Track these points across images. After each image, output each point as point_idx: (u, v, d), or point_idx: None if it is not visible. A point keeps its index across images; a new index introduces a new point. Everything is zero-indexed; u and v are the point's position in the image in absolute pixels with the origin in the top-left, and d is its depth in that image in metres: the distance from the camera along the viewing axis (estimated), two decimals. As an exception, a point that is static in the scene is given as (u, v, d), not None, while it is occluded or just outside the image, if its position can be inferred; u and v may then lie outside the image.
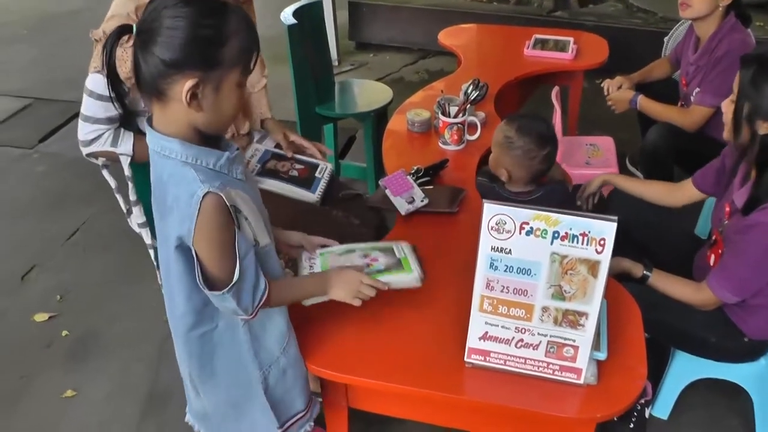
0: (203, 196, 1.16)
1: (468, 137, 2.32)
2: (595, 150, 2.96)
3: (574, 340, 1.30)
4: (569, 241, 1.22)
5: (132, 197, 1.92)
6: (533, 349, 1.34)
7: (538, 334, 1.32)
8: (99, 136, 1.77)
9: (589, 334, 1.28)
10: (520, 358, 1.36)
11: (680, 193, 2.09)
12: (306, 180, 2.06)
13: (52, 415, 2.30)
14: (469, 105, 2.32)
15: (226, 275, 1.23)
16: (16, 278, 3.00)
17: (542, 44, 3.14)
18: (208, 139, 1.25)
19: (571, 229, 1.21)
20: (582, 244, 1.21)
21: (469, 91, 2.34)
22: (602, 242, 1.20)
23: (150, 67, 1.13)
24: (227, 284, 1.22)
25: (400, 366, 1.42)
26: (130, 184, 1.88)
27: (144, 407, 2.29)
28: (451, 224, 1.89)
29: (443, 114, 2.27)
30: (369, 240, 1.91)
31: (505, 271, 1.29)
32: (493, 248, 1.28)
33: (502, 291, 1.31)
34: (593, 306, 1.26)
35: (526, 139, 1.92)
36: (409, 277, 1.46)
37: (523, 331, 1.33)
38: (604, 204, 2.24)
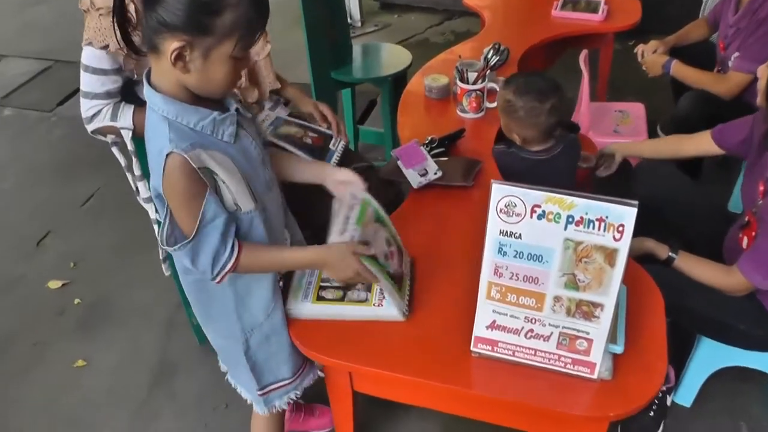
0: (167, 155, 1.18)
1: (488, 104, 2.19)
2: (624, 117, 2.80)
3: (588, 333, 1.20)
4: (584, 227, 1.12)
5: (137, 172, 1.85)
6: (544, 340, 1.25)
7: (549, 324, 1.23)
8: (98, 112, 1.70)
9: (605, 326, 1.19)
10: (529, 349, 1.27)
11: (692, 143, 1.99)
12: (320, 149, 1.96)
13: (63, 385, 2.29)
14: (489, 71, 2.19)
15: (188, 233, 1.25)
16: (32, 243, 2.99)
17: (572, 4, 2.96)
18: (204, 98, 1.25)
19: (586, 213, 1.10)
20: (598, 230, 1.11)
21: (489, 55, 2.21)
22: (621, 229, 1.09)
23: (149, 21, 1.13)
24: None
25: (403, 353, 1.35)
26: (134, 159, 1.81)
27: (153, 377, 2.27)
28: (466, 199, 1.79)
29: (461, 80, 2.15)
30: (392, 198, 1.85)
31: (514, 257, 1.19)
32: (501, 232, 1.18)
33: (511, 278, 1.21)
34: (609, 297, 1.16)
35: (526, 98, 1.83)
36: (395, 307, 1.40)
37: (533, 321, 1.24)
38: (626, 175, 2.12)
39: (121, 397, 2.22)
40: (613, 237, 1.10)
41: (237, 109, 1.30)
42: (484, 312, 1.27)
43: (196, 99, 1.23)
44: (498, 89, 2.16)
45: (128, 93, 1.75)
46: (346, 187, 1.47)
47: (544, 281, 1.19)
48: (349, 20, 4.87)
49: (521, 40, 2.68)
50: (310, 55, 2.69)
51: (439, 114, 2.28)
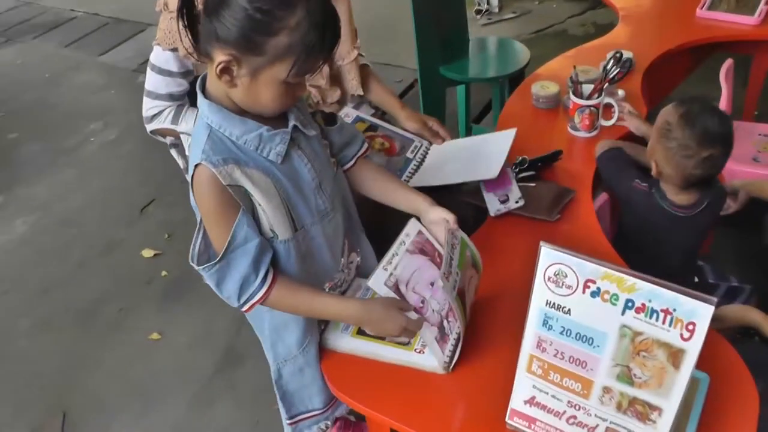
0: (195, 166, 1.11)
1: (603, 122, 1.94)
2: (769, 143, 2.42)
3: (640, 436, 1.00)
4: (646, 316, 0.91)
5: None
6: (588, 431, 1.05)
7: (596, 416, 1.03)
8: (160, 113, 1.67)
9: (662, 432, 0.98)
10: (572, 436, 1.08)
11: None
12: (391, 163, 1.81)
13: (137, 355, 2.36)
14: (607, 84, 1.93)
15: (218, 253, 1.15)
16: (136, 210, 3.11)
17: (725, 3, 2.55)
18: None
19: (650, 301, 0.90)
20: (663, 323, 0.90)
21: (609, 66, 1.95)
22: (691, 327, 0.88)
23: (205, 28, 1.07)
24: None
25: (436, 412, 1.19)
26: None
27: (218, 363, 2.28)
28: (548, 234, 1.57)
29: (575, 94, 1.91)
30: None
31: (561, 333, 1.00)
32: (548, 303, 1.00)
33: (555, 356, 1.03)
34: (671, 402, 0.94)
35: (687, 132, 1.51)
36: (436, 359, 1.23)
37: (577, 407, 1.04)
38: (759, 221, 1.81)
39: (185, 378, 2.24)
40: (681, 335, 0.89)
41: (296, 126, 1.19)
42: (524, 385, 1.09)
43: (248, 112, 1.15)
44: (615, 106, 1.92)
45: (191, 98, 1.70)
46: (437, 227, 1.33)
47: (593, 367, 0.99)
48: (486, 5, 4.65)
49: (656, 43, 2.37)
50: (418, 48, 2.54)
51: (545, 127, 2.05)
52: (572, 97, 1.93)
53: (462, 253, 1.25)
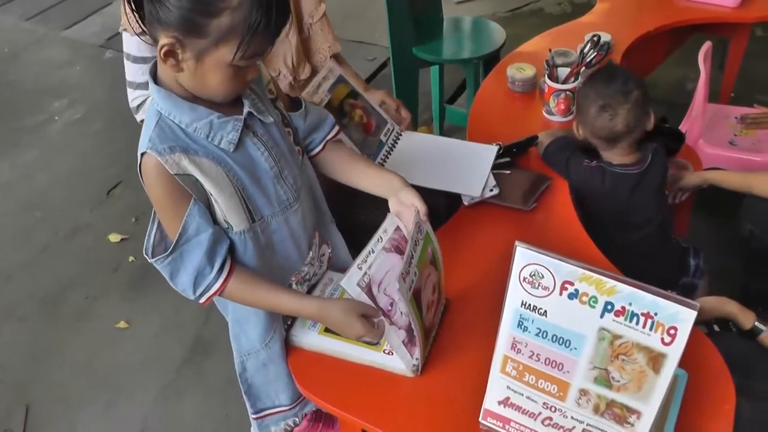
0: (141, 155, 1.07)
1: (577, 107, 1.90)
2: (746, 126, 2.39)
3: (617, 439, 0.97)
4: (626, 319, 0.87)
5: None
6: (565, 433, 1.03)
7: (572, 418, 1.00)
8: (143, 102, 1.57)
9: (640, 436, 0.95)
10: (547, 438, 1.05)
11: None
12: (367, 142, 1.75)
13: (104, 344, 2.30)
14: (584, 68, 1.89)
15: (171, 240, 1.12)
16: (103, 192, 3.02)
17: (703, -16, 2.52)
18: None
19: (630, 304, 0.86)
20: (643, 327, 0.86)
21: (586, 50, 1.91)
22: (672, 332, 0.85)
23: (148, 11, 1.01)
24: None
25: (407, 414, 1.16)
26: None
27: (187, 352, 2.22)
28: (523, 224, 1.54)
29: (550, 77, 1.87)
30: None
31: (536, 335, 0.97)
32: (524, 304, 0.96)
33: (530, 357, 0.99)
34: (650, 406, 0.92)
35: (600, 87, 1.59)
36: (404, 362, 1.20)
37: (553, 409, 1.01)
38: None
39: (154, 368, 2.18)
40: (662, 339, 0.86)
41: (251, 113, 1.14)
42: (498, 386, 1.06)
43: (199, 98, 1.10)
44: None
45: None
46: (408, 210, 1.25)
47: (570, 370, 0.96)
48: (462, -17, 4.56)
49: (635, 24, 2.34)
50: (390, 28, 2.47)
51: (521, 111, 2.01)
52: (547, 80, 1.89)
53: (424, 250, 1.20)
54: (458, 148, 1.75)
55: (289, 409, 1.41)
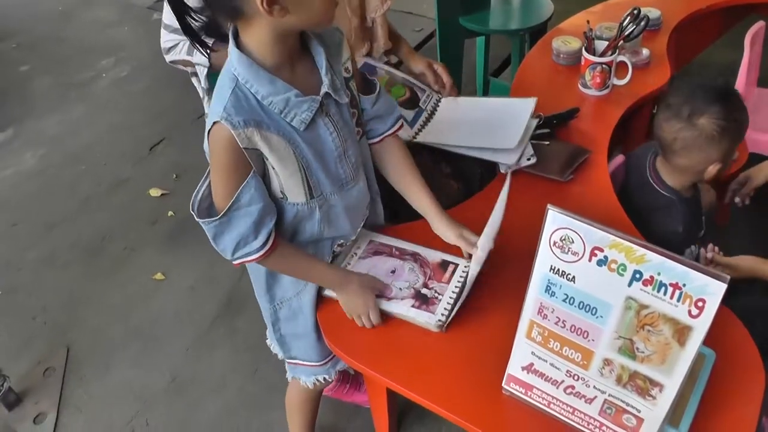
0: (213, 124, 1.06)
1: (615, 81, 1.87)
2: (797, 111, 2.31)
3: (639, 411, 0.97)
4: (654, 289, 0.86)
5: (207, 110, 1.77)
6: (586, 401, 1.02)
7: (594, 387, 1.00)
8: (175, 45, 1.61)
9: (662, 408, 0.94)
10: (567, 405, 1.05)
11: None
12: (407, 101, 1.73)
13: (140, 294, 2.36)
14: (622, 41, 1.84)
15: (220, 208, 1.13)
16: (145, 148, 3.07)
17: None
18: (294, 68, 1.11)
19: (659, 274, 0.85)
20: (671, 298, 0.85)
21: (625, 23, 1.86)
22: (700, 304, 0.83)
23: None
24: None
25: (432, 374, 1.17)
26: (206, 98, 1.73)
27: (220, 309, 2.27)
28: (559, 194, 1.53)
29: (587, 50, 1.83)
30: (456, 195, 1.62)
31: (563, 300, 0.96)
32: (552, 269, 0.95)
33: (556, 323, 0.99)
34: (672, 379, 0.91)
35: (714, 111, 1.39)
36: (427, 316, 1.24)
37: (576, 377, 1.01)
38: None
39: (187, 321, 2.24)
40: (689, 311, 0.85)
41: (327, 93, 1.13)
42: (522, 352, 1.06)
43: (281, 69, 1.08)
44: (629, 64, 1.83)
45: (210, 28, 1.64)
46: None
47: (595, 338, 0.96)
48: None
49: (685, 1, 2.26)
50: (437, -4, 2.44)
51: (564, 85, 1.97)
52: (584, 53, 1.85)
53: None
54: (495, 105, 1.74)
55: (320, 366, 1.43)
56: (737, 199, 1.77)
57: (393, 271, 1.32)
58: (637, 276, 0.87)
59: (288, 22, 1.01)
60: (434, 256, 1.35)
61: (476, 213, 1.41)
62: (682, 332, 0.86)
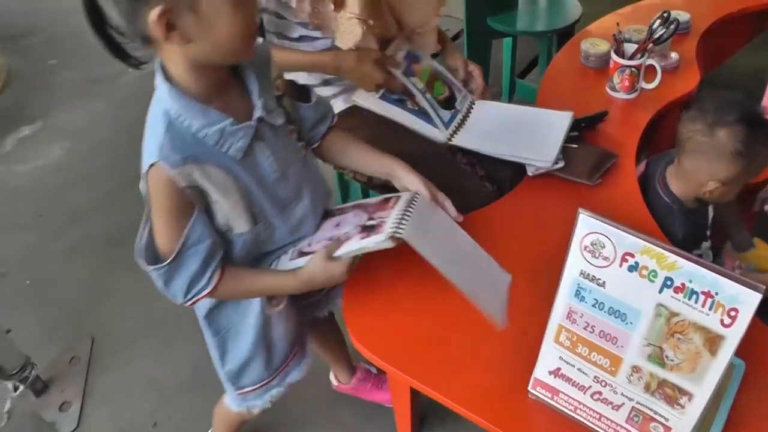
0: (149, 166, 1.01)
1: (644, 85, 1.85)
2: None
3: (667, 419, 0.96)
4: (685, 297, 0.86)
5: None
6: (613, 408, 1.02)
7: (622, 394, 0.99)
8: None
9: (691, 418, 0.94)
10: (594, 411, 1.04)
11: None
12: (444, 100, 1.72)
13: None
14: (652, 44, 1.83)
15: (165, 252, 1.09)
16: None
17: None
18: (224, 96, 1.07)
19: (690, 281, 0.84)
20: (703, 306, 0.85)
21: (654, 26, 1.84)
22: (733, 314, 0.83)
23: (120, 10, 0.94)
24: (165, 261, 1.08)
25: (459, 374, 1.17)
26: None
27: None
28: (587, 198, 1.52)
29: (616, 53, 1.82)
30: (490, 197, 1.61)
31: (593, 305, 0.96)
32: (582, 273, 0.95)
33: (585, 328, 0.99)
34: (703, 388, 0.90)
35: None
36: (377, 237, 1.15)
37: (603, 383, 1.01)
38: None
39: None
40: (721, 321, 0.84)
41: (261, 118, 1.10)
42: (550, 356, 1.06)
43: (212, 97, 1.04)
44: (658, 68, 1.81)
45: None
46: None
47: (624, 344, 0.95)
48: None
49: (716, 5, 2.24)
50: (465, -4, 2.43)
51: (591, 87, 1.96)
52: (613, 55, 1.84)
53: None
54: (531, 116, 1.73)
55: (274, 379, 1.41)
56: (767, 207, 1.74)
57: (337, 225, 1.26)
58: (668, 283, 0.86)
59: (196, 52, 0.97)
60: (375, 199, 1.30)
61: (506, 214, 1.42)
62: (713, 341, 0.86)
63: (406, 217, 1.16)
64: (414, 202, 1.23)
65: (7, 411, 2.04)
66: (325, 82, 1.73)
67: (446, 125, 1.68)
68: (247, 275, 1.20)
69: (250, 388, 1.41)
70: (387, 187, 1.68)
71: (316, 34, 1.63)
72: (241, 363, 1.36)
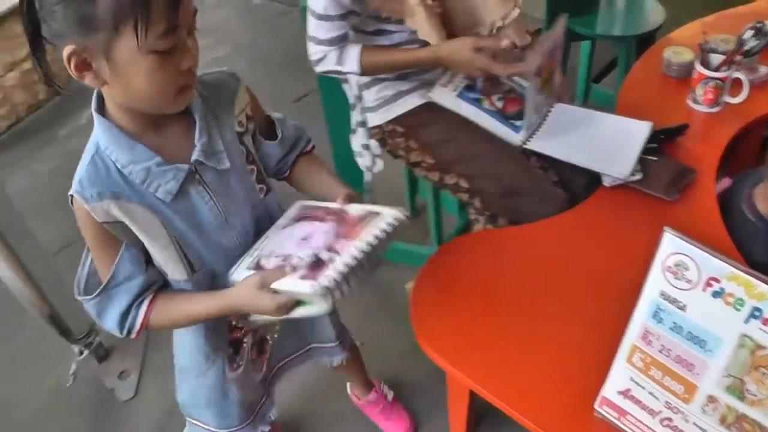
0: (71, 196, 0.98)
1: (728, 99, 1.77)
2: None
3: (741, 454, 0.92)
4: (775, 330, 0.82)
5: (359, 117, 1.80)
6: (683, 436, 0.98)
7: (694, 424, 0.96)
8: (324, 57, 1.63)
9: (768, 455, 0.90)
10: (663, 438, 1.01)
11: None
12: (515, 114, 1.69)
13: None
14: (741, 56, 1.75)
15: (102, 279, 1.06)
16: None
17: None
18: (161, 130, 1.02)
19: (782, 314, 0.81)
20: (794, 340, 0.81)
21: (745, 37, 1.76)
22: (827, 351, 0.78)
23: (45, 34, 0.89)
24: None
25: (519, 380, 1.15)
26: (357, 105, 1.76)
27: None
28: (664, 213, 1.46)
29: (702, 63, 1.75)
30: (562, 203, 1.57)
31: (671, 329, 0.93)
32: (663, 294, 0.92)
33: (660, 351, 0.95)
34: (785, 426, 0.86)
35: None
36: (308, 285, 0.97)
37: (675, 410, 0.97)
38: None
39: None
40: (813, 357, 0.80)
41: (199, 161, 1.02)
42: (621, 375, 1.03)
43: (145, 133, 0.99)
44: (745, 82, 1.73)
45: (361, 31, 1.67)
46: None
47: (701, 372, 0.91)
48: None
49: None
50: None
51: (672, 98, 1.88)
52: (697, 66, 1.76)
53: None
54: (609, 123, 1.68)
55: None
56: None
57: (304, 239, 1.07)
58: (756, 313, 0.83)
59: (114, 94, 0.93)
60: (358, 209, 1.09)
61: (579, 224, 1.38)
62: (802, 378, 0.82)
63: (348, 267, 0.98)
64: (381, 234, 1.03)
65: (73, 373, 2.13)
66: (401, 77, 1.72)
67: (517, 130, 1.65)
68: (177, 301, 1.10)
69: (197, 422, 1.38)
70: (459, 187, 1.68)
71: (392, 27, 1.63)
72: (193, 404, 1.36)
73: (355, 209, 1.09)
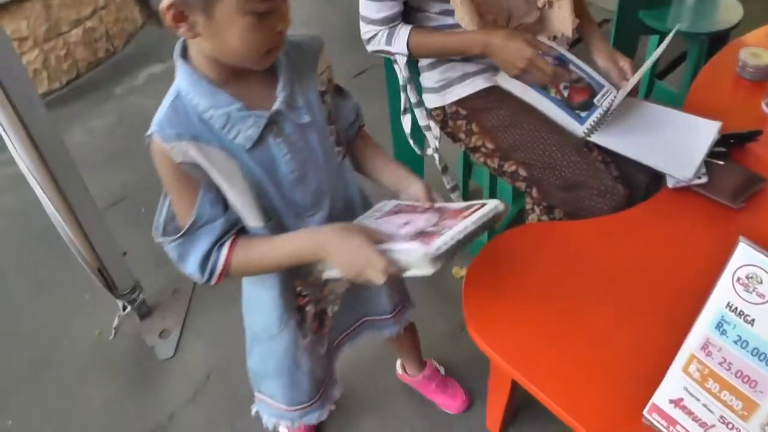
0: (149, 136, 0.99)
1: (810, 107, 1.70)
2: None
3: (798, 478, 0.89)
4: None
5: (413, 98, 1.80)
6: (735, 452, 0.95)
7: (750, 441, 0.92)
8: (374, 36, 1.66)
9: (828, 482, 0.86)
10: (713, 452, 0.98)
11: None
12: (580, 104, 1.63)
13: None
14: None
15: (181, 226, 1.06)
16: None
17: None
18: (244, 80, 1.01)
19: None
20: None
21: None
22: None
23: None
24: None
25: (565, 375, 1.13)
26: (408, 86, 1.76)
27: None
28: (727, 221, 1.41)
29: (783, 65, 1.67)
30: (621, 200, 1.52)
31: (735, 342, 0.89)
32: (730, 306, 0.88)
33: (721, 364, 0.92)
34: None
35: None
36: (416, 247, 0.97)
37: (730, 426, 0.94)
38: None
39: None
40: None
41: (279, 111, 1.03)
42: (674, 384, 0.99)
43: (228, 81, 1.00)
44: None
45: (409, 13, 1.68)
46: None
47: (764, 390, 0.88)
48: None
49: None
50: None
51: (745, 101, 1.82)
52: None
53: None
54: (677, 120, 1.62)
55: (286, 411, 1.39)
56: None
57: (407, 223, 1.08)
58: (833, 335, 0.79)
59: (204, 46, 0.95)
60: (460, 204, 1.10)
61: (638, 224, 1.34)
62: None
63: (458, 235, 0.99)
64: (483, 217, 1.04)
65: (115, 327, 2.18)
66: (467, 59, 1.69)
67: (581, 121, 1.60)
68: (262, 241, 1.09)
69: (265, 397, 1.40)
70: (518, 175, 1.65)
71: (435, 8, 1.62)
72: (263, 372, 1.36)
73: (456, 205, 1.10)
